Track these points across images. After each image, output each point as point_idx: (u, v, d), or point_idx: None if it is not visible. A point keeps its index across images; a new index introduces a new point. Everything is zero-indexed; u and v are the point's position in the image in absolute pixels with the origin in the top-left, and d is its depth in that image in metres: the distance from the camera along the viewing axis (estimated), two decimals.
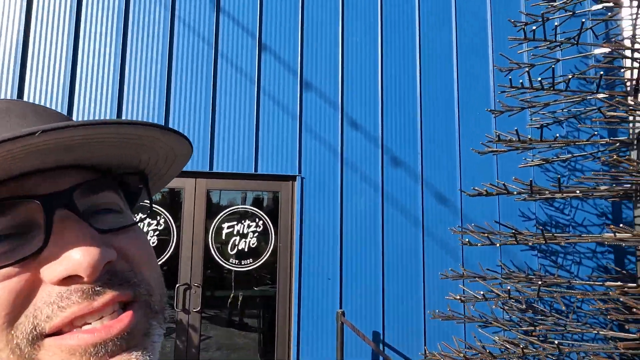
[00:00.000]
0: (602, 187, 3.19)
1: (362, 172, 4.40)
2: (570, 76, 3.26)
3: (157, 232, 4.07)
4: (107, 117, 4.01)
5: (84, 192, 0.41)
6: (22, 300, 0.35)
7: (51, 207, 0.37)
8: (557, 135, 3.41)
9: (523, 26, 3.45)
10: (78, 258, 0.36)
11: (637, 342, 2.70)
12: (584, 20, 3.49)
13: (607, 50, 3.47)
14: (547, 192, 3.02)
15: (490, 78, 4.73)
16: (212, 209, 4.24)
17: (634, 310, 2.55)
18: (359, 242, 4.31)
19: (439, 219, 4.46)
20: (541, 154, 4.20)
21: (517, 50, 4.48)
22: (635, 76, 3.25)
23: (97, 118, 3.96)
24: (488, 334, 3.85)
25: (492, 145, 3.81)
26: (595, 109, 3.58)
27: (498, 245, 3.40)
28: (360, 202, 4.36)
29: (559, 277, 3.51)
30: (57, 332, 0.36)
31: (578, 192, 2.94)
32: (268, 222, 4.29)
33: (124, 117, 4.07)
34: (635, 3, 3.27)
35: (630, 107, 3.05)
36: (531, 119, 4.48)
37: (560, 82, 3.35)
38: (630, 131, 3.24)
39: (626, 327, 3.06)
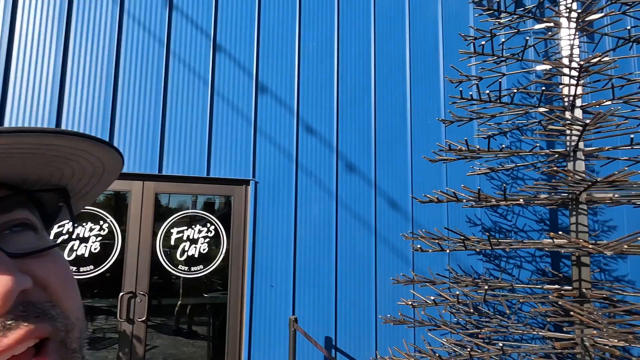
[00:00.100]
0: (542, 196, 3.38)
1: (316, 177, 4.40)
2: (514, 90, 3.44)
3: (100, 238, 3.83)
4: (46, 121, 3.73)
5: None
6: None
7: None
8: (503, 145, 3.59)
9: (472, 40, 3.60)
10: None
11: (573, 341, 2.88)
12: (527, 38, 3.70)
13: (547, 67, 3.70)
14: (493, 200, 3.16)
15: (441, 89, 4.91)
16: (160, 213, 4.06)
17: (571, 313, 2.72)
18: (313, 247, 4.29)
19: (391, 225, 4.54)
20: (487, 163, 4.41)
21: (467, 64, 4.68)
22: (572, 92, 3.49)
23: (33, 121, 3.68)
24: (437, 337, 3.97)
25: (443, 153, 3.94)
26: (536, 122, 3.80)
27: (448, 251, 3.52)
28: (315, 208, 4.35)
29: (503, 280, 3.68)
30: None
31: (521, 200, 3.10)
32: (220, 227, 4.17)
33: (64, 118, 3.81)
34: (572, 25, 3.51)
35: (567, 122, 3.26)
36: (479, 130, 4.69)
37: (506, 95, 3.53)
38: (567, 144, 3.47)
39: (564, 328, 3.26)
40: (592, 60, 3.04)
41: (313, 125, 4.47)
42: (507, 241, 3.20)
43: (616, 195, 3.14)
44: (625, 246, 2.49)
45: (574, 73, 3.33)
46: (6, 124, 3.69)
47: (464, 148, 3.32)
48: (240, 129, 4.24)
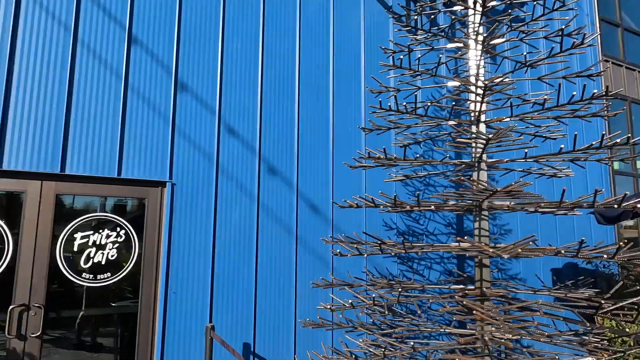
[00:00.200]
0: (451, 203, 3.65)
1: (238, 180, 4.31)
2: (428, 103, 3.68)
3: None
4: None
5: None
6: None
7: None
8: (418, 154, 3.81)
9: (392, 54, 3.79)
10: None
11: (474, 337, 3.14)
12: (440, 55, 3.98)
13: (457, 84, 4.01)
14: (407, 206, 3.34)
15: (362, 98, 5.08)
16: (62, 217, 3.68)
17: (474, 311, 2.97)
18: (233, 252, 4.19)
19: (312, 229, 4.59)
20: (403, 171, 4.65)
21: (387, 76, 4.90)
22: (477, 108, 3.82)
23: None
24: (354, 339, 4.09)
25: (363, 160, 4.08)
26: (447, 134, 4.10)
27: (365, 255, 3.64)
28: (235, 211, 4.25)
29: (415, 281, 3.91)
30: None
31: (433, 206, 3.32)
32: (131, 232, 3.90)
33: None
34: (479, 47, 3.85)
35: (473, 135, 3.56)
36: (396, 139, 4.94)
37: (421, 107, 3.76)
38: (473, 155, 3.78)
39: (467, 325, 3.53)
40: (495, 80, 3.36)
41: (235, 127, 4.37)
42: (420, 245, 3.40)
43: (512, 203, 3.49)
44: (519, 249, 2.77)
45: (480, 91, 3.65)
46: None
47: (382, 156, 3.47)
48: (157, 128, 4.01)
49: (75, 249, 3.68)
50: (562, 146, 3.26)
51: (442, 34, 4.10)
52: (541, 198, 3.19)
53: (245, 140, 4.40)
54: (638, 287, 5.87)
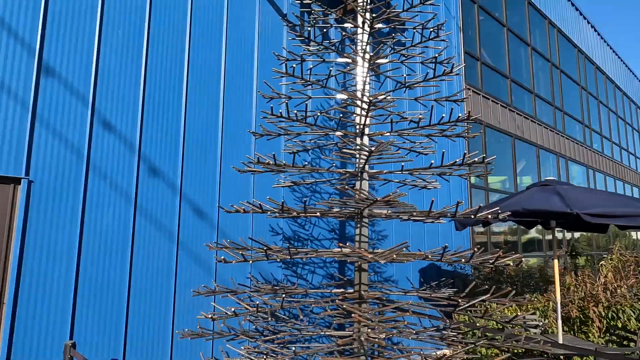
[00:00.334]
0: (335, 210, 3.81)
1: (112, 180, 3.92)
2: (318, 113, 3.80)
3: None
4: None
5: None
6: None
7: None
8: (306, 162, 3.90)
9: (285, 61, 3.83)
10: None
11: (351, 338, 3.30)
12: (331, 68, 4.15)
13: (344, 96, 4.22)
14: (295, 212, 3.39)
15: (254, 102, 5.04)
16: None
17: (352, 314, 3.12)
18: (102, 259, 3.78)
19: (195, 234, 4.38)
20: (291, 177, 4.72)
21: (279, 82, 4.94)
22: (362, 122, 4.06)
23: None
24: (234, 348, 3.99)
25: (252, 165, 4.04)
26: (334, 144, 4.28)
27: (251, 262, 3.59)
28: (108, 214, 3.85)
29: (299, 286, 3.97)
30: None
31: (319, 213, 3.42)
32: None
33: None
34: (366, 64, 4.11)
35: (357, 146, 3.78)
36: (286, 145, 4.99)
37: (310, 116, 3.86)
38: (356, 165, 4.01)
39: (347, 328, 3.70)
40: (378, 97, 3.61)
41: (112, 121, 3.97)
42: (305, 250, 3.48)
43: (389, 212, 3.78)
44: (394, 255, 3.01)
45: (365, 106, 3.89)
46: None
47: (271, 162, 3.47)
48: (12, 115, 3.45)
49: None
50: (432, 161, 3.64)
51: (333, 47, 4.29)
52: (414, 208, 3.51)
53: (124, 137, 4.03)
54: (487, 286, 6.81)
